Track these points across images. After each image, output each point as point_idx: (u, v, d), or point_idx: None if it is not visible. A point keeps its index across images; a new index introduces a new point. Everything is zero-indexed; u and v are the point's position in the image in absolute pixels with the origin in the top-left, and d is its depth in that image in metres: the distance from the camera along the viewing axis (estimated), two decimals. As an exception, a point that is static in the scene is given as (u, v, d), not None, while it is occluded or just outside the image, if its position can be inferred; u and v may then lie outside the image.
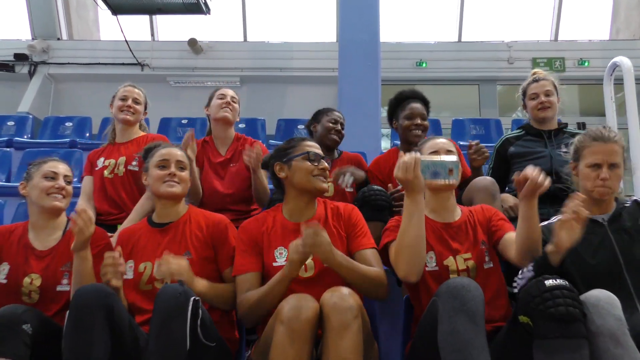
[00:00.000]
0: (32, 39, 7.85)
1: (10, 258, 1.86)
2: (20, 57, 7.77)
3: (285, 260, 1.70)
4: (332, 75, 6.95)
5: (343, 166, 2.52)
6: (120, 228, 2.26)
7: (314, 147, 1.93)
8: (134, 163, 2.54)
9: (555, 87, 2.63)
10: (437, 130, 4.49)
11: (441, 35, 8.02)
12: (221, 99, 2.69)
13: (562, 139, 2.55)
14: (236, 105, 2.71)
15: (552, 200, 2.31)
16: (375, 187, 2.36)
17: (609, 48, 7.62)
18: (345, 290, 1.52)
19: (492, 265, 1.80)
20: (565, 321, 1.37)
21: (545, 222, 1.82)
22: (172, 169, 1.92)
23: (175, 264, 1.65)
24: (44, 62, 7.85)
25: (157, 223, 1.93)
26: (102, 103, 7.51)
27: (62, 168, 1.95)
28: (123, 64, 7.74)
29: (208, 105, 2.75)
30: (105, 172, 2.55)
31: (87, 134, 4.80)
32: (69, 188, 1.95)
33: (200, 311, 1.55)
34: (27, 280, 1.82)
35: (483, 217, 1.88)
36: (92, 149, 4.02)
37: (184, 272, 1.66)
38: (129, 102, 2.63)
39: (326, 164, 1.89)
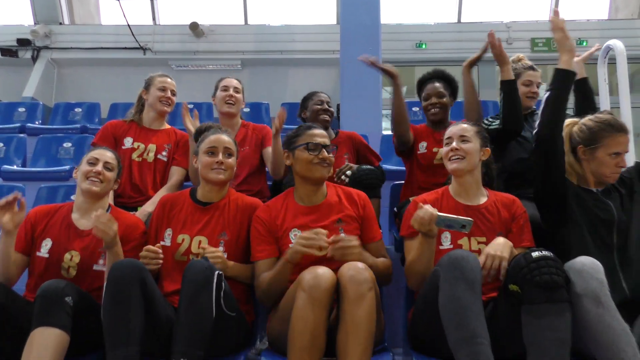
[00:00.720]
0: (35, 24, 7.90)
1: (54, 234, 2.00)
2: (23, 43, 7.83)
3: None
4: (333, 58, 7.03)
5: (347, 164, 2.62)
6: (141, 210, 2.42)
7: (317, 136, 2.02)
8: (164, 153, 2.67)
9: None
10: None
11: (441, 16, 8.07)
12: (225, 90, 2.78)
13: (533, 121, 2.68)
14: (239, 95, 2.80)
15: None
16: (365, 167, 2.52)
17: (607, 28, 7.69)
18: (360, 264, 1.66)
19: None
20: (550, 288, 1.53)
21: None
22: (220, 156, 2.05)
23: (210, 252, 1.86)
24: (46, 47, 7.92)
25: (199, 201, 2.07)
26: (106, 87, 7.70)
27: (104, 155, 2.08)
28: (125, 48, 7.81)
29: (214, 95, 2.85)
30: (134, 155, 2.64)
31: (97, 120, 4.92)
32: (108, 174, 2.05)
33: (223, 284, 1.71)
34: (67, 256, 1.96)
35: (508, 213, 1.96)
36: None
37: (219, 261, 1.86)
38: (169, 93, 2.72)
39: (326, 154, 1.98)
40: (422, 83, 2.76)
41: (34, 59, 7.86)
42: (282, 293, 1.80)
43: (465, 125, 2.04)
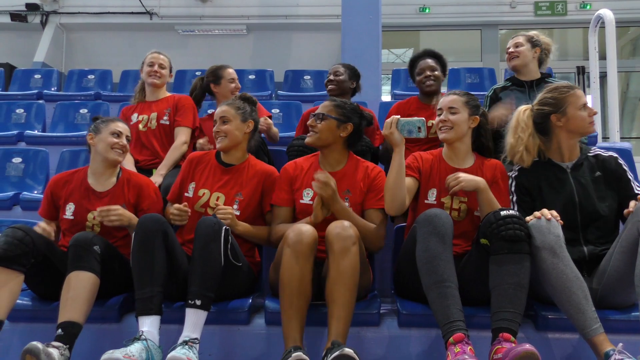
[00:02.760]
0: (43, -12, 8.01)
1: (75, 199, 2.26)
2: (31, 7, 7.95)
3: (310, 200, 2.12)
4: (336, 22, 7.09)
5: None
6: (156, 173, 2.72)
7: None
8: (165, 118, 2.95)
9: (531, 41, 2.88)
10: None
11: (445, -21, 8.05)
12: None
13: (544, 88, 2.84)
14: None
15: None
16: None
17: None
18: (346, 223, 1.89)
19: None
20: (513, 241, 1.77)
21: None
22: (217, 125, 2.29)
23: (223, 212, 2.10)
24: (55, 12, 8.04)
25: (223, 162, 2.34)
26: (114, 52, 7.86)
27: (125, 129, 2.33)
28: (132, 12, 7.92)
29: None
30: (140, 126, 2.94)
31: (109, 86, 5.12)
32: (128, 146, 2.33)
33: (230, 238, 1.97)
34: (90, 216, 2.22)
35: (491, 175, 2.15)
36: (115, 100, 4.42)
37: (229, 217, 2.10)
38: (156, 67, 2.98)
39: (314, 121, 2.19)
40: (414, 61, 2.99)
41: (43, 23, 8.00)
42: None
43: (454, 97, 2.21)
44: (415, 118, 2.00)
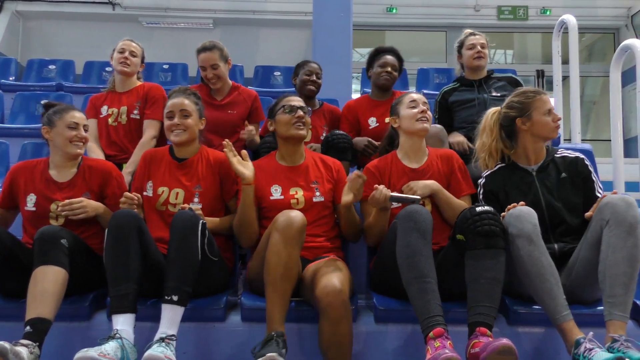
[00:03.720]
0: (-2, -27, 7.65)
1: (36, 189, 2.17)
2: (-15, -7, 7.58)
3: (280, 195, 2.15)
4: (305, 20, 7.09)
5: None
6: (125, 168, 2.63)
7: (292, 100, 2.27)
8: (135, 112, 2.84)
9: (487, 43, 3.05)
10: (404, 77, 4.80)
11: (412, -20, 8.14)
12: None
13: (492, 84, 2.99)
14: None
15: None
16: (337, 132, 2.77)
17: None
18: (338, 285, 1.79)
19: None
20: (488, 236, 1.81)
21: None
22: (176, 119, 2.22)
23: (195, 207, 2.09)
24: (11, -1, 7.69)
25: (176, 157, 2.28)
26: (74, 43, 7.59)
27: (81, 118, 2.23)
28: (93, 2, 7.65)
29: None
30: (110, 120, 2.83)
31: (71, 77, 4.94)
32: (87, 136, 2.24)
33: (207, 232, 1.94)
34: (53, 206, 2.14)
35: (446, 166, 2.27)
36: (78, 92, 4.26)
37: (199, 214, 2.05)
38: (126, 54, 2.86)
39: (301, 112, 2.22)
40: (380, 52, 3.05)
41: (-2, 10, 7.64)
42: (252, 231, 2.10)
43: (423, 96, 2.35)
44: (412, 196, 2.04)
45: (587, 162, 2.20)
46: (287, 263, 1.81)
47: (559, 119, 2.19)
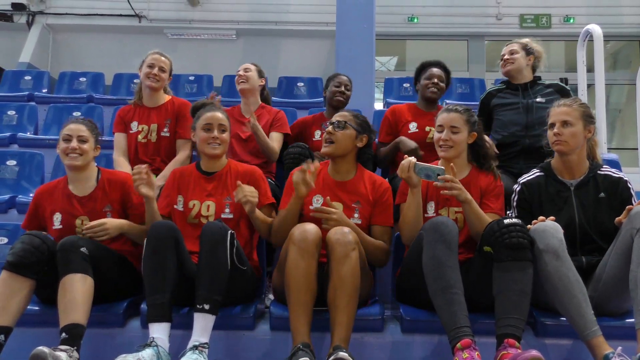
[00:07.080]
0: (29, -12, 7.91)
1: (60, 207, 2.23)
2: (17, 7, 7.84)
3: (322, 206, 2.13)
4: (326, 30, 7.17)
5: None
6: (156, 181, 2.64)
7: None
8: (165, 130, 2.87)
9: (525, 48, 2.96)
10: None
11: (433, -10, 8.18)
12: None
13: (537, 90, 2.91)
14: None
15: (525, 156, 2.74)
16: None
17: (594, 5, 7.89)
18: (345, 229, 1.94)
19: None
20: (516, 249, 1.82)
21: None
22: (215, 132, 2.27)
23: (248, 189, 2.09)
24: (41, 12, 7.94)
25: (204, 171, 2.33)
26: (102, 54, 7.79)
27: (75, 129, 2.21)
28: (120, 15, 7.86)
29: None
30: (139, 137, 2.86)
31: (101, 89, 5.08)
32: (84, 146, 2.20)
33: (235, 242, 1.99)
34: (78, 221, 2.21)
35: (485, 184, 2.21)
36: (108, 103, 4.38)
37: (255, 195, 2.10)
38: (155, 70, 2.86)
39: (331, 128, 2.21)
40: (426, 66, 3.05)
41: (29, 24, 7.89)
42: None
43: (455, 115, 2.21)
44: (436, 166, 2.03)
45: (630, 185, 2.15)
46: (305, 275, 1.85)
47: (557, 135, 2.13)
